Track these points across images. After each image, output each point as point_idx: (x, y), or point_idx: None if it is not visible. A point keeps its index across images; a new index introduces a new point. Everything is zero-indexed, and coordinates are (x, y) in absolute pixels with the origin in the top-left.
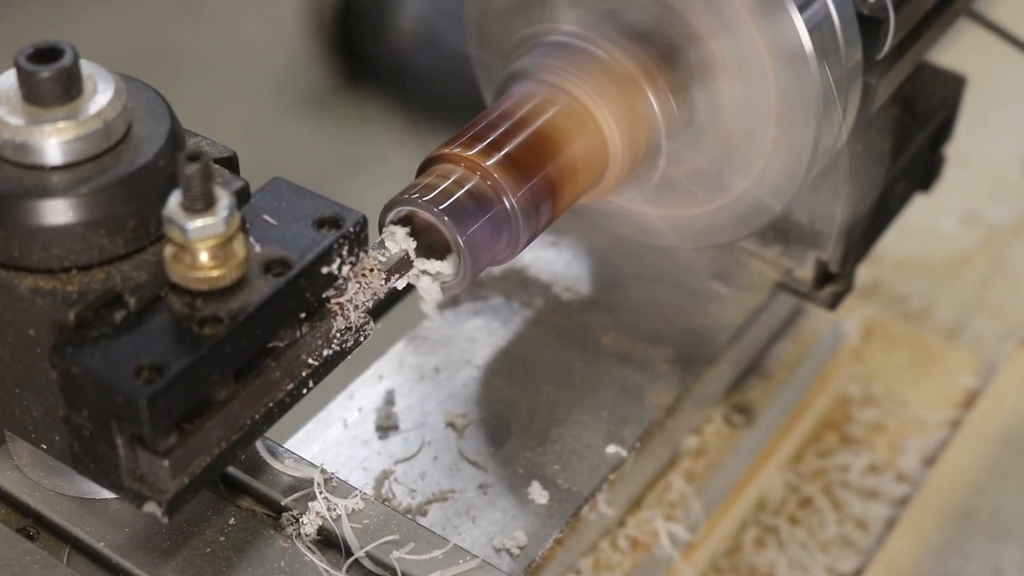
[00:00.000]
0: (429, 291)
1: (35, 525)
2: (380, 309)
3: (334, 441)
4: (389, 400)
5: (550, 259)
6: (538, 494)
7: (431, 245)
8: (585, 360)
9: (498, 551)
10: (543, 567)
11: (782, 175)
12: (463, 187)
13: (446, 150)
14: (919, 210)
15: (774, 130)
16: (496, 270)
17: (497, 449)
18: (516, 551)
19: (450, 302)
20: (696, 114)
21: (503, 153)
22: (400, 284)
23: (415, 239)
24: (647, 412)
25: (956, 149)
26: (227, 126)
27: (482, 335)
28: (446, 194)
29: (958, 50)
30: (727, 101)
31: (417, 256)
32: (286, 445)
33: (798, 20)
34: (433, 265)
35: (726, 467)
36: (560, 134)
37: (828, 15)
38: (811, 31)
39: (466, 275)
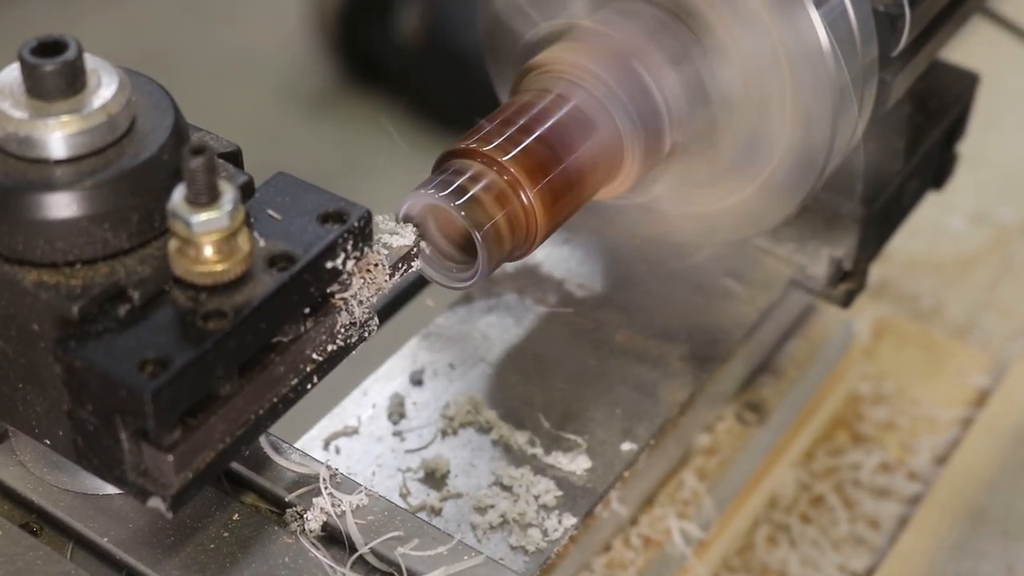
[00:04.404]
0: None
1: (38, 521)
2: (393, 306)
3: (347, 438)
4: (403, 397)
5: (563, 256)
6: (552, 491)
7: (446, 240)
8: (598, 357)
9: (513, 549)
10: (557, 565)
11: (797, 172)
12: (480, 182)
13: (463, 145)
14: (929, 209)
15: (790, 126)
16: (510, 267)
17: (511, 446)
18: (531, 549)
19: (463, 299)
20: (712, 110)
21: (519, 148)
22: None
23: (429, 235)
24: (661, 409)
25: (966, 148)
26: (230, 125)
27: (495, 332)
28: (463, 189)
29: (969, 48)
30: (743, 97)
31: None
32: (299, 442)
33: (815, 16)
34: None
35: (738, 465)
36: (576, 130)
37: (844, 11)
38: (828, 27)
39: (483, 270)
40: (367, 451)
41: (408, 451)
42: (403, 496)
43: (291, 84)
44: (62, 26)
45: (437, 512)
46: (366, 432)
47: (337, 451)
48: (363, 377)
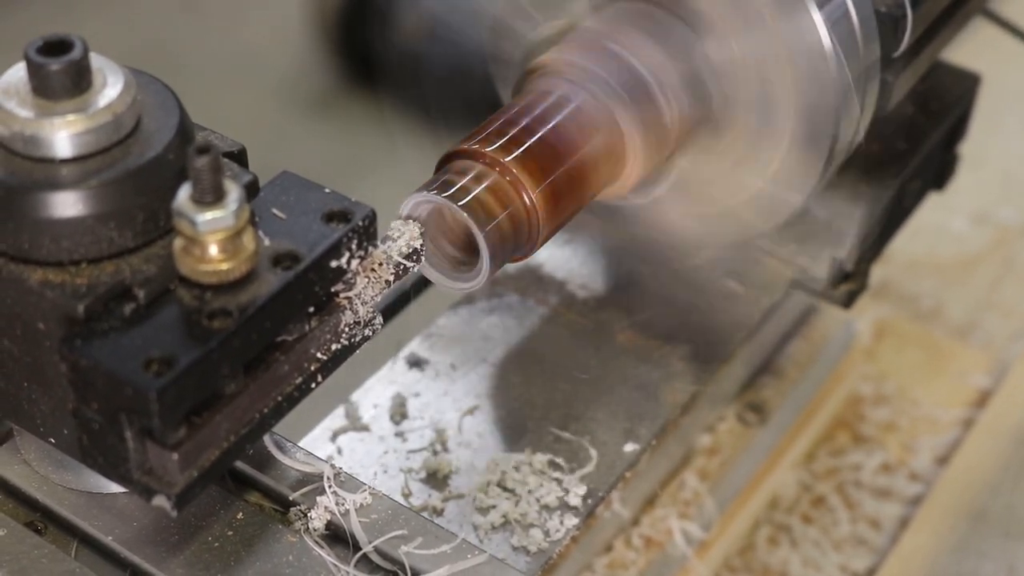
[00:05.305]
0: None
1: (43, 519)
2: (397, 305)
3: (349, 437)
4: (404, 397)
5: (565, 257)
6: (554, 492)
7: (449, 241)
8: (600, 358)
9: (515, 549)
10: (558, 565)
11: (800, 172)
12: (483, 183)
13: (465, 146)
14: (930, 210)
15: (792, 127)
16: (511, 268)
17: (513, 447)
18: (533, 549)
19: (465, 299)
20: (715, 111)
21: (522, 149)
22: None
23: (431, 236)
24: (662, 410)
25: (967, 149)
26: (232, 126)
27: (497, 333)
28: (466, 190)
29: (970, 49)
30: (746, 98)
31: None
32: (302, 442)
33: (817, 17)
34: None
35: (739, 466)
36: (578, 131)
37: (847, 12)
38: (830, 28)
39: (486, 271)
40: (369, 451)
41: (410, 451)
42: (405, 496)
43: (292, 84)
44: (65, 26)
45: (439, 512)
46: (368, 432)
47: (339, 451)
48: (365, 377)
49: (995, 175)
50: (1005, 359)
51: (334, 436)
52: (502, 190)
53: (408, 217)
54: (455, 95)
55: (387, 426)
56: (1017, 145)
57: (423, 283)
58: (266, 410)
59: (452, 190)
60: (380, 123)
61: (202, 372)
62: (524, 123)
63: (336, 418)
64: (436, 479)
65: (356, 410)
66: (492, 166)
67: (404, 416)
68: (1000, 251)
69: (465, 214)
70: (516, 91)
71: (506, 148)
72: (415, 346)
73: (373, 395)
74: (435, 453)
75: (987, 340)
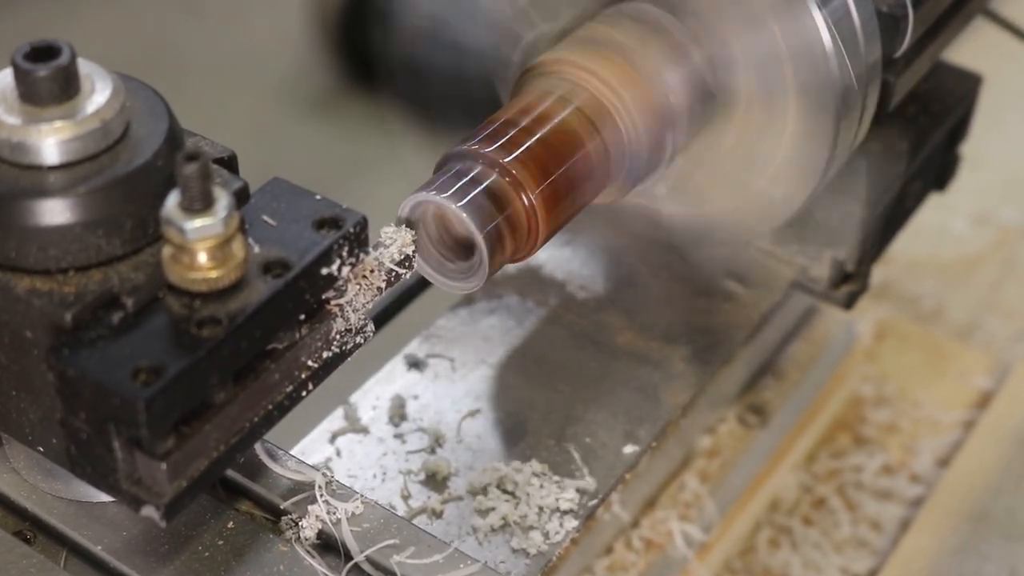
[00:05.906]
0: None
1: (32, 528)
2: (394, 308)
3: (348, 439)
4: (404, 399)
5: (565, 257)
6: (553, 494)
7: (448, 242)
8: (600, 359)
9: (515, 552)
10: (558, 568)
11: (800, 173)
12: (482, 183)
13: (464, 146)
14: (931, 210)
15: (793, 128)
16: (511, 268)
17: (512, 448)
18: (532, 552)
19: (465, 300)
20: (715, 112)
21: (522, 149)
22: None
23: (430, 236)
24: (663, 411)
25: (968, 149)
26: (231, 127)
27: (497, 334)
28: (465, 190)
29: (971, 50)
30: (746, 99)
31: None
32: (300, 444)
33: (818, 17)
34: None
35: (740, 467)
36: (579, 131)
37: (848, 12)
38: (831, 28)
39: (485, 272)
40: (368, 453)
41: (409, 453)
42: (404, 498)
43: (291, 85)
44: (59, 26)
45: (438, 515)
46: (367, 434)
47: (338, 453)
48: (364, 379)
49: (996, 176)
50: (1006, 360)
51: (333, 438)
52: (501, 191)
53: (407, 218)
54: (455, 95)
55: (386, 428)
56: (1018, 146)
57: (422, 284)
58: (256, 419)
59: (451, 191)
60: (380, 123)
61: (191, 381)
62: (524, 124)
63: (335, 420)
64: (435, 481)
65: (355, 412)
66: (492, 166)
67: (403, 418)
68: (1001, 252)
69: (464, 215)
70: (515, 91)
71: (506, 148)
72: (414, 347)
73: (372, 396)
74: (433, 452)
75: (988, 341)
